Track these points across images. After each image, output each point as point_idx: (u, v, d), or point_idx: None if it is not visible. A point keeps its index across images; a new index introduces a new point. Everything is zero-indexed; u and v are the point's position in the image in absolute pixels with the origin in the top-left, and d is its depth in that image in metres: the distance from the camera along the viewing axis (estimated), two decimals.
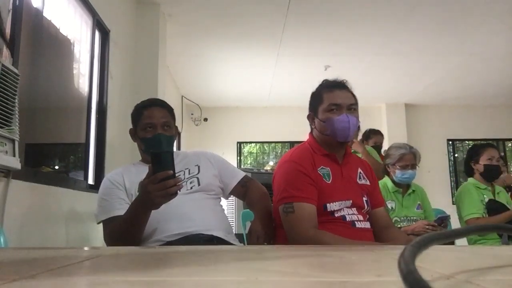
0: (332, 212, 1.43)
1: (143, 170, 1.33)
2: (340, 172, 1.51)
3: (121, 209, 1.44)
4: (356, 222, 1.45)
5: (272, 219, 1.55)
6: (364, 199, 1.52)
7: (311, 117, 1.57)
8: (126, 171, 1.58)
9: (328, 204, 1.42)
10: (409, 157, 2.46)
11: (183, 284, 0.41)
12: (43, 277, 0.44)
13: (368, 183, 1.58)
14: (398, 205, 2.46)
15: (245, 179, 1.69)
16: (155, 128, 1.54)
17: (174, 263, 0.60)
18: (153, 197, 1.21)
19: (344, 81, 1.57)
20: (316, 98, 1.55)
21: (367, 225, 1.49)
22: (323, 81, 1.58)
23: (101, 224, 1.51)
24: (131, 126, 1.65)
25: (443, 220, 2.28)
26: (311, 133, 1.61)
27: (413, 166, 2.47)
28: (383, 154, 3.21)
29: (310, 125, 1.59)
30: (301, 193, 1.39)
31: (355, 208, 1.47)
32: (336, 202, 1.43)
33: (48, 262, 0.58)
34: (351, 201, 1.45)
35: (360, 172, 1.58)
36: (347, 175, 1.53)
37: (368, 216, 1.53)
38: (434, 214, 2.56)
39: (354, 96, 1.55)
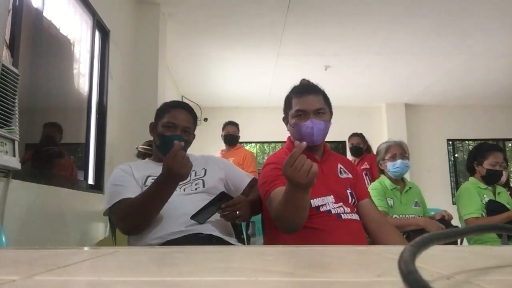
0: (318, 207, 1.47)
1: (152, 167, 1.52)
2: (320, 170, 1.54)
3: (132, 193, 1.45)
4: (342, 214, 1.48)
5: (259, 208, 1.60)
6: (348, 191, 1.57)
7: (285, 120, 1.63)
8: (135, 165, 1.61)
9: (312, 201, 1.45)
10: (396, 147, 2.50)
11: (183, 284, 0.41)
12: (43, 277, 0.44)
13: (350, 176, 1.63)
14: (397, 202, 2.47)
15: (252, 182, 1.72)
16: (175, 128, 1.57)
17: (174, 263, 0.60)
18: (177, 170, 1.31)
19: (316, 84, 1.61)
20: (287, 103, 1.61)
21: (354, 216, 1.52)
22: (294, 86, 1.63)
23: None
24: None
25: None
26: (289, 137, 1.67)
27: (402, 156, 2.48)
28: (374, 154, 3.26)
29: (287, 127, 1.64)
30: (273, 182, 1.44)
31: (341, 203, 1.51)
32: (319, 198, 1.48)
33: (48, 262, 0.58)
34: (332, 196, 1.50)
35: (340, 167, 1.63)
36: (327, 172, 1.57)
37: (355, 209, 1.57)
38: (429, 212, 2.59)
39: (325, 99, 1.58)
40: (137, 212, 1.39)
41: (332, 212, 1.47)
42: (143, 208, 1.39)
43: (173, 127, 1.57)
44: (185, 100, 6.56)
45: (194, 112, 1.68)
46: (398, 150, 2.49)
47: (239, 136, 4.20)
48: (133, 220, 1.40)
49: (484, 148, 2.71)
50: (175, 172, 1.31)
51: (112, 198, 1.47)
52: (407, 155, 2.52)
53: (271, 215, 1.43)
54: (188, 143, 1.62)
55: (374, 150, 4.13)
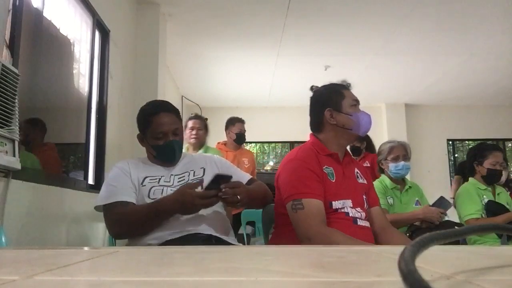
0: (337, 209, 1.46)
1: (150, 168, 1.58)
2: (342, 172, 1.54)
3: (129, 196, 1.46)
4: (358, 219, 1.47)
5: (255, 201, 1.59)
6: (364, 197, 1.57)
7: (330, 112, 1.55)
8: (133, 164, 1.60)
9: (333, 202, 1.45)
10: (399, 149, 2.49)
11: (183, 284, 0.41)
12: (43, 277, 0.44)
13: (365, 182, 1.63)
14: (397, 201, 2.47)
15: (250, 181, 1.70)
16: (166, 136, 1.56)
17: (174, 263, 0.60)
18: (196, 209, 1.36)
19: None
20: (337, 94, 1.57)
21: (367, 223, 1.52)
22: (331, 83, 1.64)
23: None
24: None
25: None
26: (312, 134, 1.62)
27: (405, 157, 2.48)
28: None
29: (326, 120, 1.55)
30: (309, 189, 1.40)
31: (358, 207, 1.50)
32: (340, 201, 1.46)
33: (48, 262, 0.58)
34: (350, 200, 1.48)
35: (357, 172, 1.63)
36: (348, 175, 1.56)
37: (367, 216, 1.56)
38: None
39: None
40: (136, 224, 1.42)
41: (350, 215, 1.46)
42: (144, 223, 1.42)
43: (163, 135, 1.56)
44: (185, 100, 6.55)
45: (175, 108, 1.66)
46: (401, 152, 2.48)
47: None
48: (128, 228, 1.44)
49: (484, 148, 2.71)
50: (187, 208, 1.36)
51: (107, 198, 1.47)
52: (408, 156, 2.52)
53: (293, 223, 1.40)
54: (181, 142, 1.63)
55: (377, 149, 4.13)
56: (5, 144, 1.63)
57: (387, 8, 3.99)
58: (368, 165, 4.08)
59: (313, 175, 1.43)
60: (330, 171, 1.49)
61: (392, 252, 0.64)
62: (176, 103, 5.95)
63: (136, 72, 3.75)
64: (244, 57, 5.25)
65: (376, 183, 2.56)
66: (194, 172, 1.61)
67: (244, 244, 2.89)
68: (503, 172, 2.64)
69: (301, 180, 1.43)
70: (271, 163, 7.74)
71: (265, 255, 0.70)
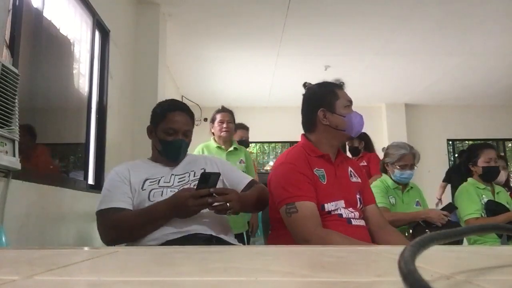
0: (329, 211, 1.45)
1: (151, 168, 1.57)
2: (334, 172, 1.53)
3: (123, 202, 1.46)
4: (352, 219, 1.46)
5: (248, 207, 1.58)
6: (357, 196, 1.55)
7: (323, 113, 1.53)
8: (133, 167, 1.60)
9: (325, 205, 1.44)
10: (409, 158, 2.47)
11: (183, 284, 0.41)
12: (43, 277, 0.44)
13: (359, 180, 1.61)
14: (398, 201, 2.47)
15: (251, 183, 1.70)
16: (176, 133, 1.58)
17: (174, 263, 0.60)
18: (190, 210, 1.35)
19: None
20: (331, 94, 1.56)
21: (362, 222, 1.51)
22: (325, 81, 1.62)
23: None
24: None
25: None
26: (303, 135, 1.62)
27: (412, 166, 2.48)
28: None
29: (319, 121, 1.54)
30: (301, 192, 1.39)
31: (351, 207, 1.49)
32: (332, 203, 1.45)
33: (48, 262, 0.58)
34: (343, 201, 1.47)
35: (350, 171, 1.61)
36: (340, 175, 1.55)
37: (362, 215, 1.55)
38: None
39: None
40: (129, 230, 1.42)
41: (343, 216, 1.45)
42: (139, 229, 1.41)
43: (174, 132, 1.57)
44: (185, 100, 6.55)
45: (191, 111, 1.68)
46: (410, 161, 2.47)
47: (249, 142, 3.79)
48: (121, 235, 1.44)
49: (474, 148, 2.74)
50: (181, 210, 1.36)
51: (102, 203, 1.48)
52: (415, 165, 2.52)
53: (289, 227, 1.39)
54: (188, 144, 1.64)
55: (376, 148, 4.12)
56: (5, 144, 1.63)
57: (387, 8, 3.99)
58: (365, 164, 4.07)
59: (304, 177, 1.42)
60: (321, 173, 1.48)
61: (392, 252, 0.64)
62: None
63: (136, 72, 3.75)
64: (244, 57, 5.25)
65: (377, 182, 2.56)
66: (194, 172, 1.61)
67: (244, 244, 2.90)
68: (503, 172, 2.64)
69: (293, 184, 1.41)
70: (271, 163, 7.74)
71: (265, 255, 0.70)
